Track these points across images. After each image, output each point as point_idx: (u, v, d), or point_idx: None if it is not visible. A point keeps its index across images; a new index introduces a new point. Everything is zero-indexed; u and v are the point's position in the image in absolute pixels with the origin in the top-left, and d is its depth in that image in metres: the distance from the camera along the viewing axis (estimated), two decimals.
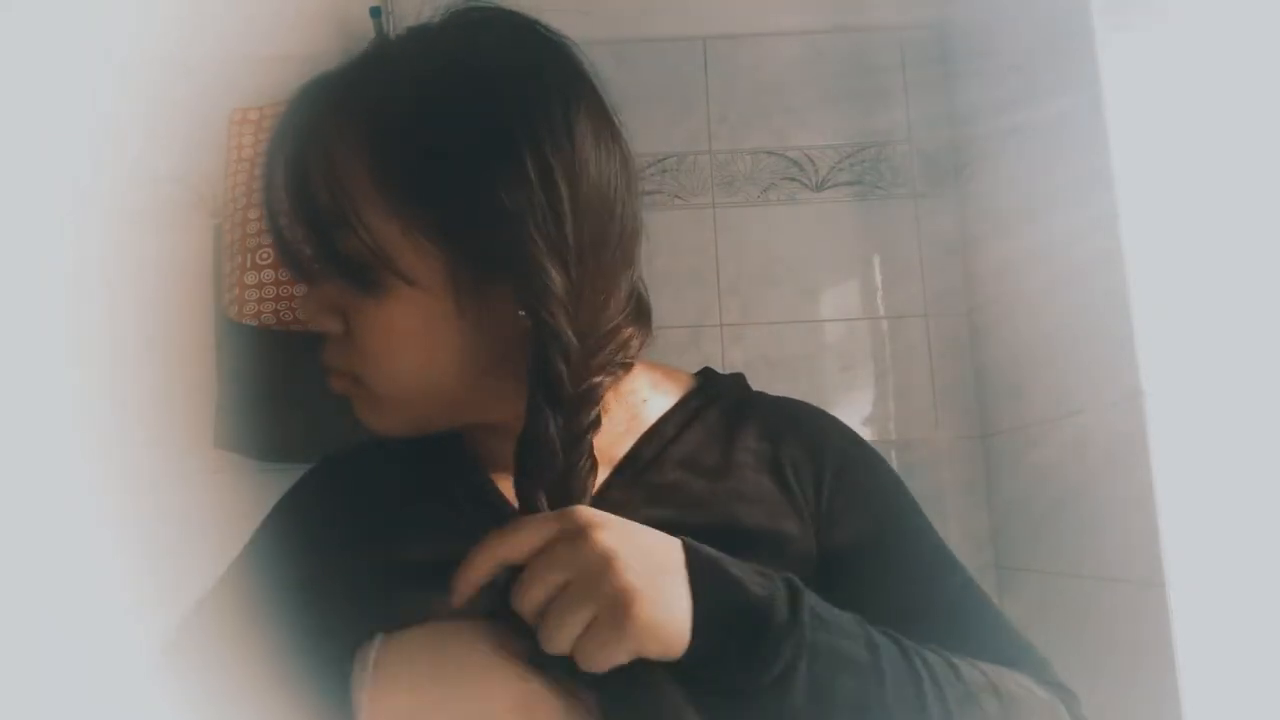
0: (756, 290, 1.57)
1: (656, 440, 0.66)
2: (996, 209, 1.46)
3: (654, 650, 0.48)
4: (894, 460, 1.53)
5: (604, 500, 0.61)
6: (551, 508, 0.52)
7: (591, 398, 0.55)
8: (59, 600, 1.33)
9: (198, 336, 1.46)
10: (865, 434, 1.53)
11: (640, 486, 0.63)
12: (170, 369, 1.46)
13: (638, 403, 0.66)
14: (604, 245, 0.58)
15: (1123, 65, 1.11)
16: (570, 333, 0.55)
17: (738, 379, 0.73)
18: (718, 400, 0.69)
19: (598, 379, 0.56)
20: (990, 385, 1.51)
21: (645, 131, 1.57)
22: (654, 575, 0.48)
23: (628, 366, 0.62)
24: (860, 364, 1.56)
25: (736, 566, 0.52)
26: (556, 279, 0.55)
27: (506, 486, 0.64)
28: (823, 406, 1.63)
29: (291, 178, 0.58)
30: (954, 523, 1.52)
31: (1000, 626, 0.64)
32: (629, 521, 0.51)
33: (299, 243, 0.60)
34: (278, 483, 0.73)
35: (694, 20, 1.61)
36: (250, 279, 1.29)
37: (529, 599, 0.48)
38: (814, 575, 0.61)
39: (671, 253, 1.57)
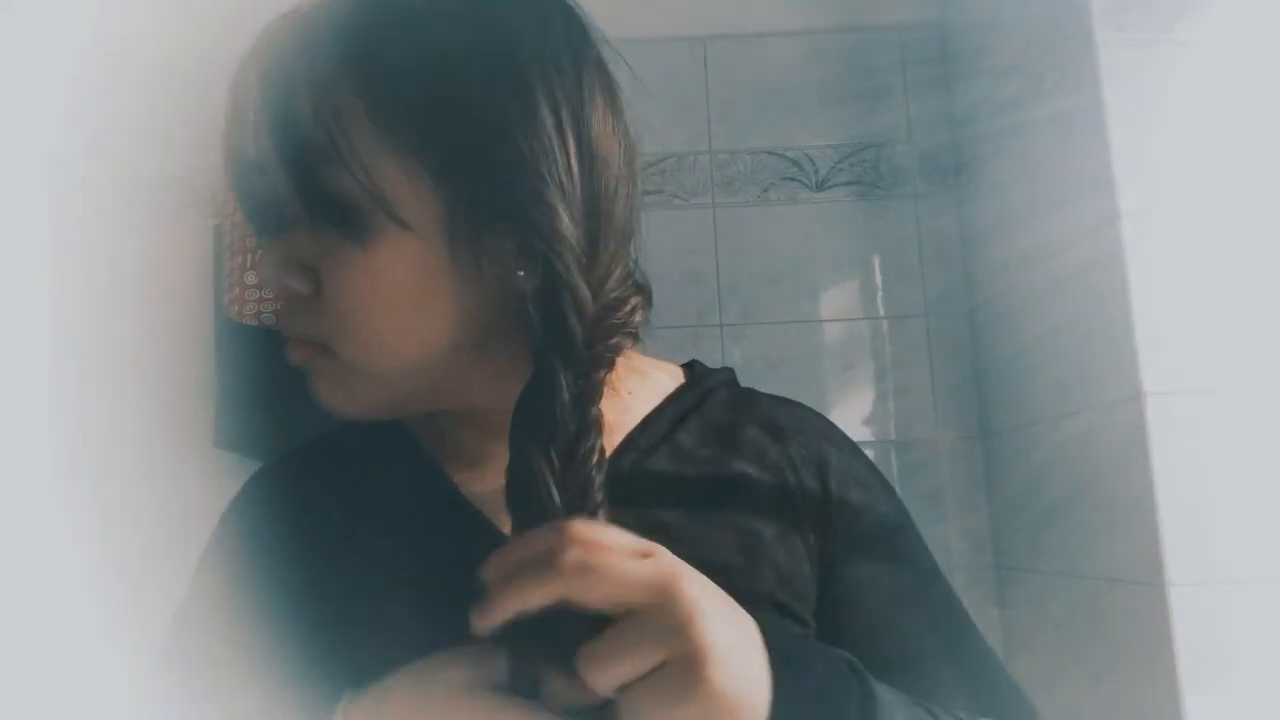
0: (756, 290, 1.57)
1: (646, 436, 0.61)
2: (996, 209, 1.46)
3: None
4: (894, 460, 1.53)
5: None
6: (560, 481, 0.47)
7: (603, 362, 0.51)
8: (58, 601, 1.33)
9: (198, 336, 1.46)
10: (865, 434, 1.55)
11: (629, 484, 0.58)
12: (170, 369, 1.46)
13: (624, 395, 0.61)
14: (612, 203, 0.54)
15: (1123, 65, 1.11)
16: (583, 285, 0.50)
17: (728, 374, 0.68)
18: (711, 395, 0.65)
19: (611, 341, 0.52)
20: (990, 385, 1.51)
21: (645, 131, 1.57)
22: (735, 642, 0.43)
23: (635, 337, 0.57)
24: (860, 364, 1.56)
25: (816, 659, 0.48)
26: (569, 225, 0.50)
27: (468, 484, 0.59)
28: (823, 406, 1.63)
29: (272, 114, 0.51)
30: (954, 523, 1.52)
31: (987, 664, 0.61)
32: (706, 579, 0.45)
33: (267, 190, 0.52)
34: None
35: (694, 20, 1.61)
36: (250, 279, 1.29)
37: (612, 670, 0.42)
38: (811, 587, 0.58)
39: (671, 253, 1.57)
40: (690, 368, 0.69)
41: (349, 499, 0.59)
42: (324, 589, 0.55)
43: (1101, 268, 1.11)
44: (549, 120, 0.51)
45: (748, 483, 0.60)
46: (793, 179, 1.59)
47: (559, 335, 0.49)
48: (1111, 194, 1.09)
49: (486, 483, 0.58)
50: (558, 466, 0.47)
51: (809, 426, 0.65)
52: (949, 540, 1.51)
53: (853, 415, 1.53)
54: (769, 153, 1.60)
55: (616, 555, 0.43)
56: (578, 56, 0.54)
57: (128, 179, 1.50)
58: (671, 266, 1.56)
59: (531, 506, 0.46)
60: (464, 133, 0.51)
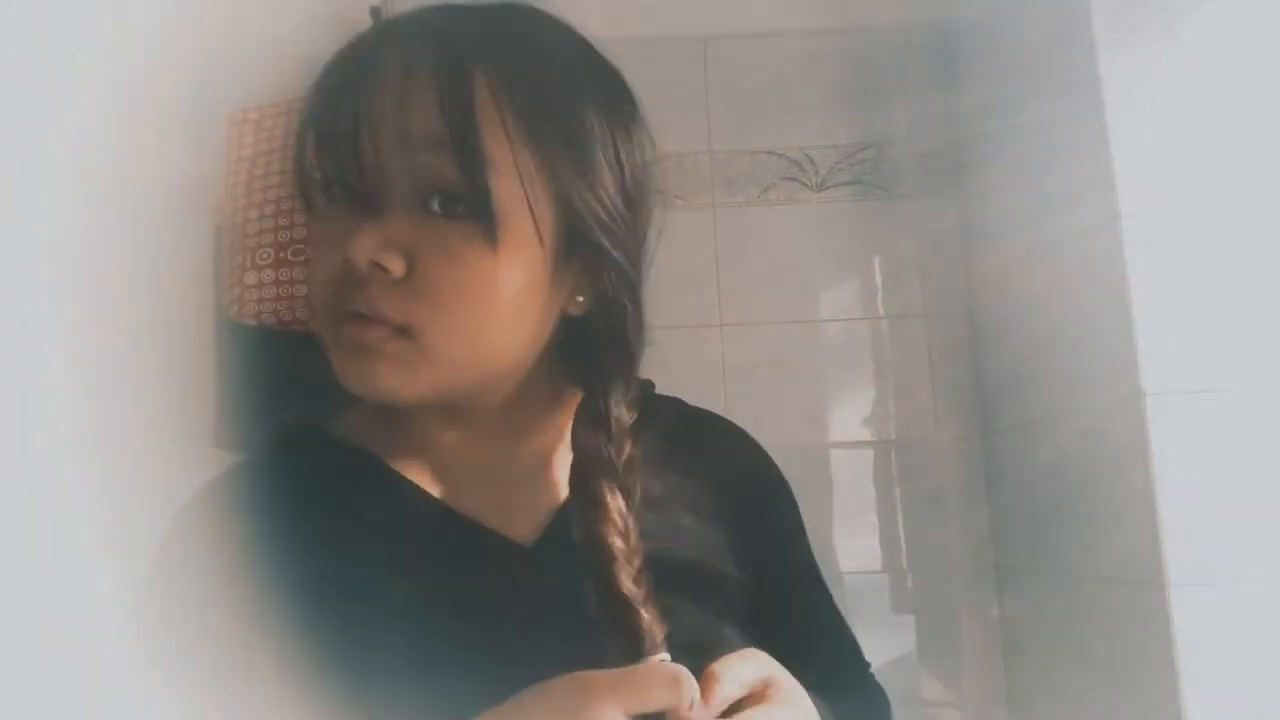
0: (756, 290, 1.57)
1: None
2: (996, 209, 1.46)
3: None
4: (894, 460, 1.53)
5: (563, 520, 0.58)
6: (617, 462, 0.55)
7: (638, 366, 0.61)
8: (56, 604, 1.33)
9: (198, 336, 1.46)
10: (865, 434, 1.55)
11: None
12: (170, 369, 1.46)
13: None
14: (646, 233, 0.66)
15: (1123, 66, 1.11)
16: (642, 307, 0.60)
17: (649, 387, 0.69)
18: (651, 417, 0.63)
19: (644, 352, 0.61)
20: (990, 385, 1.51)
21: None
22: None
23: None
24: (860, 364, 1.56)
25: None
26: (633, 254, 0.61)
27: (448, 497, 0.60)
28: (823, 406, 1.62)
29: (450, 102, 0.52)
30: (954, 523, 1.52)
31: (845, 638, 0.70)
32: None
33: (391, 169, 0.52)
34: None
35: (694, 20, 1.61)
36: (250, 279, 1.29)
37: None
38: (749, 607, 0.62)
39: (671, 253, 1.56)
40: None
41: (329, 514, 0.59)
42: (323, 605, 0.54)
43: (1101, 268, 1.11)
44: (643, 154, 0.61)
45: (688, 514, 0.63)
46: (793, 179, 1.59)
47: (623, 346, 0.59)
48: (1111, 194, 1.09)
49: (471, 491, 0.60)
50: (612, 455, 0.56)
51: (735, 445, 0.70)
52: (949, 540, 1.51)
53: (853, 415, 1.53)
54: (769, 153, 1.60)
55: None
56: (634, 107, 0.62)
57: (128, 179, 1.50)
58: (671, 266, 1.56)
59: (591, 484, 0.54)
60: (583, 161, 0.56)
